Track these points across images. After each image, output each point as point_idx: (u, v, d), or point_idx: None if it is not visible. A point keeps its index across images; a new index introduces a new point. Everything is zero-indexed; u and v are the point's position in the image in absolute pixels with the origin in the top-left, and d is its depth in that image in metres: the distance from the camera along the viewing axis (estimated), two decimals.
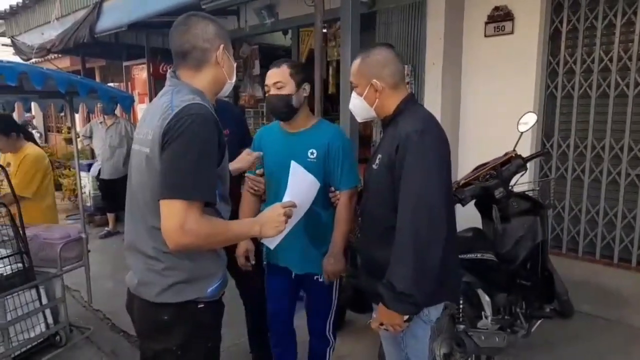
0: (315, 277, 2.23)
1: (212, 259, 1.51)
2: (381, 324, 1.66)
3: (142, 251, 1.48)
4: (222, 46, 1.51)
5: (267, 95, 2.16)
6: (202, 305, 1.48)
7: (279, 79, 2.09)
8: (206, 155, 1.35)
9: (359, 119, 1.89)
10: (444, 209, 1.59)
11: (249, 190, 2.26)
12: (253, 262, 2.31)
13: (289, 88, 2.10)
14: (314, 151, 2.13)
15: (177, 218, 1.30)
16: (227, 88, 1.62)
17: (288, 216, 1.53)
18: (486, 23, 3.96)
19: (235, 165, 2.07)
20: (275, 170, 2.17)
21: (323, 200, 2.13)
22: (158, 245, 1.43)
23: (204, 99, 1.46)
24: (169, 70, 1.57)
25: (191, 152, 1.32)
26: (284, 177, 2.04)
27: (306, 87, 2.16)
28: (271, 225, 1.49)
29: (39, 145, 3.89)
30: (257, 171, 2.25)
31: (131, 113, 6.87)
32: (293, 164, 1.77)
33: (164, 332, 1.47)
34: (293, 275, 2.27)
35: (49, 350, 3.10)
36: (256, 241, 2.15)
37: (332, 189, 2.17)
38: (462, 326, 2.42)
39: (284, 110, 2.13)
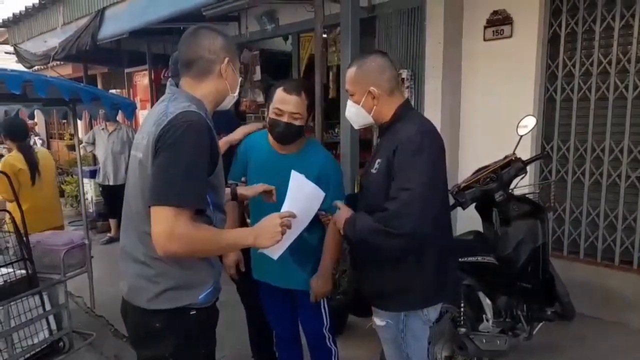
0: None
1: (203, 266, 1.51)
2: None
3: (133, 257, 1.48)
4: (227, 59, 1.52)
5: (276, 118, 2.04)
6: (194, 312, 1.47)
7: (299, 110, 2.02)
8: (197, 162, 1.36)
9: (356, 126, 1.92)
10: (435, 205, 1.64)
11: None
12: (243, 270, 2.31)
13: (303, 119, 2.06)
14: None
15: (166, 224, 1.30)
16: (229, 101, 1.62)
17: (287, 227, 1.50)
18: (485, 27, 3.98)
19: (240, 190, 1.98)
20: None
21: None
22: (149, 252, 1.43)
23: (200, 107, 1.46)
24: (168, 79, 1.58)
25: (182, 158, 1.33)
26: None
27: (311, 114, 2.13)
28: (266, 236, 1.46)
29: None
30: (243, 178, 2.21)
31: (133, 119, 6.92)
32: (294, 172, 1.75)
33: (155, 339, 1.47)
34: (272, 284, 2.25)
35: (52, 356, 3.11)
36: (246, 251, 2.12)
37: (323, 212, 2.08)
38: (463, 329, 2.43)
39: (293, 138, 2.09)
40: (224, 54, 1.53)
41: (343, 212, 1.79)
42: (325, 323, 2.30)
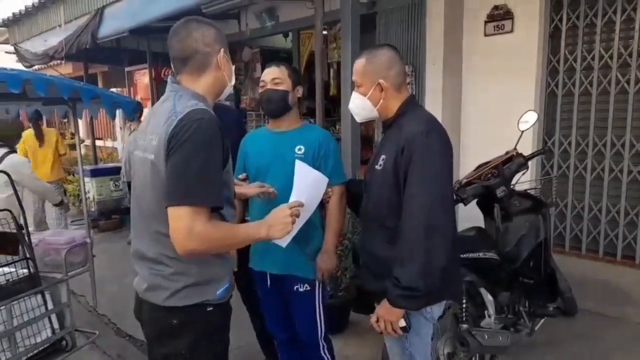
0: (295, 287, 2.21)
1: (219, 262, 1.52)
2: (377, 321, 1.69)
3: (148, 257, 1.48)
4: (222, 50, 1.52)
5: (262, 90, 2.20)
6: (210, 308, 1.48)
7: (277, 75, 2.17)
8: (212, 160, 1.36)
9: (359, 119, 1.89)
10: (452, 209, 1.65)
11: None
12: (236, 270, 2.31)
13: (286, 85, 2.17)
14: (302, 147, 2.15)
15: (184, 224, 1.30)
16: (227, 91, 1.62)
17: (296, 216, 1.52)
18: (486, 22, 3.97)
19: (239, 189, 2.02)
20: (261, 169, 2.18)
21: None
22: (164, 251, 1.43)
23: (207, 104, 1.46)
24: (169, 77, 1.56)
25: (197, 157, 1.32)
26: (269, 175, 2.07)
27: (299, 89, 2.23)
28: (278, 227, 1.47)
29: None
30: (240, 175, 2.24)
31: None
32: (297, 161, 1.76)
33: (173, 336, 1.47)
34: (269, 281, 2.25)
35: (55, 355, 3.11)
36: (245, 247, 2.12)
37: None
38: (465, 325, 2.43)
39: (280, 104, 2.17)
40: (218, 45, 1.52)
41: (385, 309, 1.68)
42: (320, 332, 2.28)
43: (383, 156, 1.74)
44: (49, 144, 5.57)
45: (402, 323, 1.67)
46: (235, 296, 2.70)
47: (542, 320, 2.81)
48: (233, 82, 1.61)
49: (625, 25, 3.50)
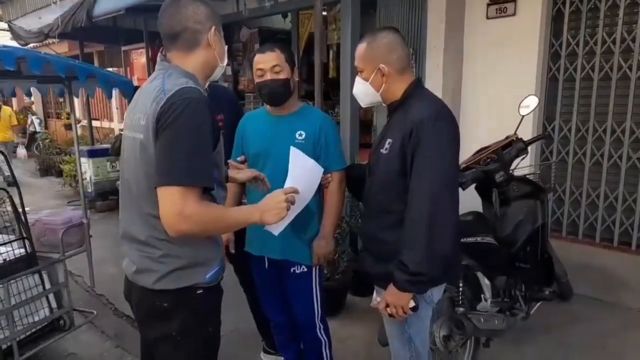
0: (292, 269, 2.21)
1: (209, 245, 1.51)
2: (387, 306, 1.69)
3: (137, 239, 1.47)
4: (213, 28, 1.48)
5: (260, 80, 2.11)
6: (200, 291, 1.47)
7: (277, 62, 2.08)
8: (201, 139, 1.33)
9: (363, 104, 1.88)
10: (457, 195, 1.66)
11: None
12: (233, 252, 2.32)
13: (286, 72, 2.10)
14: (302, 133, 2.13)
15: (175, 205, 1.29)
16: (219, 71, 1.59)
17: (290, 203, 1.50)
18: (488, 5, 3.91)
19: (231, 173, 2.01)
20: (261, 154, 2.16)
21: None
22: (154, 233, 1.42)
23: (197, 82, 1.44)
24: (159, 55, 1.54)
25: (186, 137, 1.30)
26: (269, 160, 2.05)
27: (296, 71, 2.18)
28: (272, 213, 1.46)
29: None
30: (239, 158, 2.20)
31: (132, 98, 6.87)
32: (292, 149, 1.74)
33: (163, 319, 1.47)
34: (266, 264, 2.26)
35: (53, 334, 3.13)
36: (241, 230, 2.11)
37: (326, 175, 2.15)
38: (461, 309, 2.44)
39: (283, 94, 2.12)
40: (210, 22, 1.48)
41: (394, 294, 1.67)
42: (316, 312, 2.28)
43: (389, 140, 1.72)
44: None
45: (412, 303, 1.68)
46: (233, 279, 2.73)
47: (538, 305, 2.83)
48: (225, 62, 1.58)
49: (629, 9, 3.45)
